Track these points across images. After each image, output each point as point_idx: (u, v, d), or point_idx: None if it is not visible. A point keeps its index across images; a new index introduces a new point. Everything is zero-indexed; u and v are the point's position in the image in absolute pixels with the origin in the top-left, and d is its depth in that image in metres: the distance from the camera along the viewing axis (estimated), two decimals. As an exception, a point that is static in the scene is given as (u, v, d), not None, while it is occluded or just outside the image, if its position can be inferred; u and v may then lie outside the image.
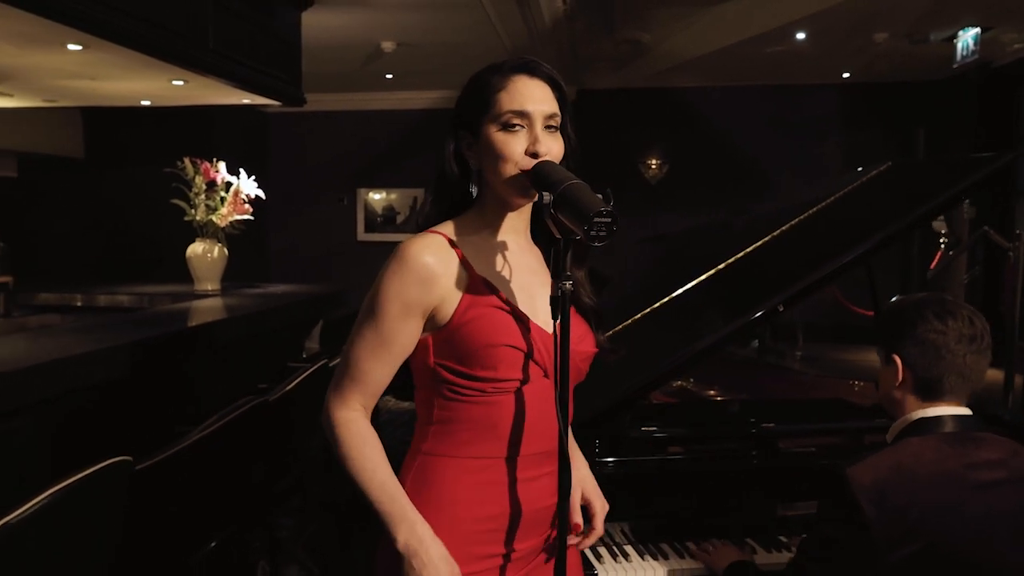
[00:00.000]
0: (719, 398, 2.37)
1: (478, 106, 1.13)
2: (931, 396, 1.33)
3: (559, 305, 1.02)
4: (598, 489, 1.29)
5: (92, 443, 2.37)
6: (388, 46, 5.64)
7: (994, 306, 4.49)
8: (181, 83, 3.71)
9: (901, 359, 1.33)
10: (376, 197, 8.24)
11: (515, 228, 1.19)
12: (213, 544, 2.25)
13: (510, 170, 1.10)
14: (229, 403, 2.19)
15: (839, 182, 2.46)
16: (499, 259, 1.16)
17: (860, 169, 2.50)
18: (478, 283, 1.13)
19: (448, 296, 1.12)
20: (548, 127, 1.13)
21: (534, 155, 1.10)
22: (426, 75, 6.61)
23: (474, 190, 1.17)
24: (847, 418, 2.04)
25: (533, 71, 1.14)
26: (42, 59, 3.19)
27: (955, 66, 5.60)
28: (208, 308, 3.48)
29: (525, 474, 1.14)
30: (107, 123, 7.00)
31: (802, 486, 1.77)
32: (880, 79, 7.11)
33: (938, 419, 1.31)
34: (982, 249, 4.34)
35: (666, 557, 1.68)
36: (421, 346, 1.15)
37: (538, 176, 1.06)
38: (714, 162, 7.57)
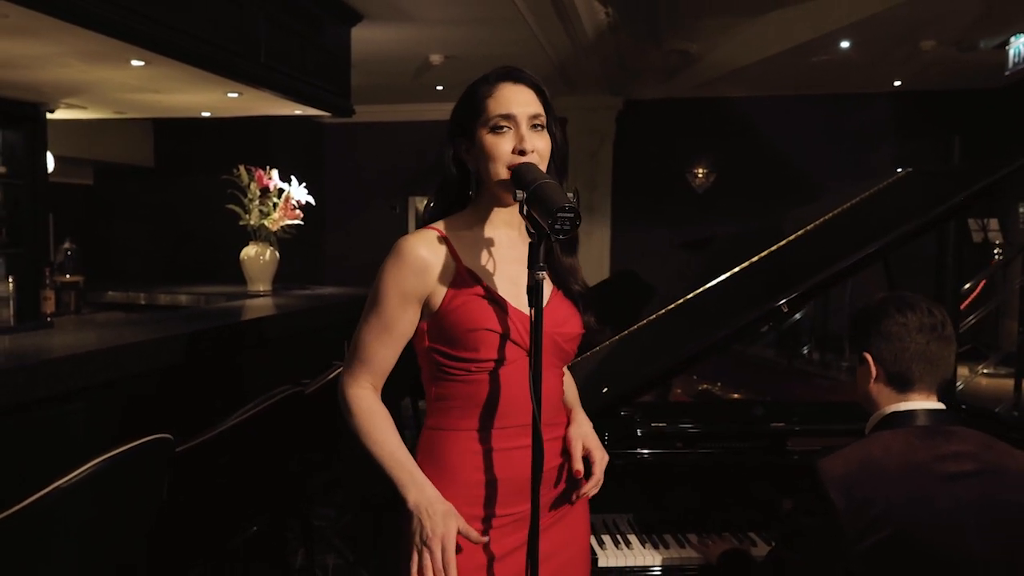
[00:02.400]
0: (738, 398, 2.42)
1: (471, 114, 1.27)
2: (903, 388, 1.38)
3: (534, 294, 1.13)
4: (598, 441, 1.39)
5: (144, 428, 2.56)
6: (436, 59, 5.83)
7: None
8: (236, 95, 3.95)
9: (871, 355, 1.39)
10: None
11: (508, 223, 1.31)
12: (253, 529, 2.40)
13: (500, 168, 1.23)
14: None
15: (864, 187, 2.48)
16: (488, 251, 1.29)
17: (906, 170, 2.51)
18: (464, 273, 1.25)
19: (438, 285, 1.25)
20: (534, 126, 1.25)
21: (521, 152, 1.22)
22: None
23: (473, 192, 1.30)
24: (855, 420, 2.07)
25: (516, 78, 1.27)
26: (109, 74, 3.46)
27: (1007, 73, 5.46)
28: (257, 306, 3.68)
29: (514, 443, 1.25)
30: (175, 134, 7.39)
31: (806, 483, 1.81)
32: (932, 87, 6.97)
33: (910, 413, 1.36)
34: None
35: (667, 547, 1.74)
36: (419, 332, 1.28)
37: (516, 176, 1.19)
38: (762, 172, 7.52)
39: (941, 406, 1.38)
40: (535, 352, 1.14)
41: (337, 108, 4.36)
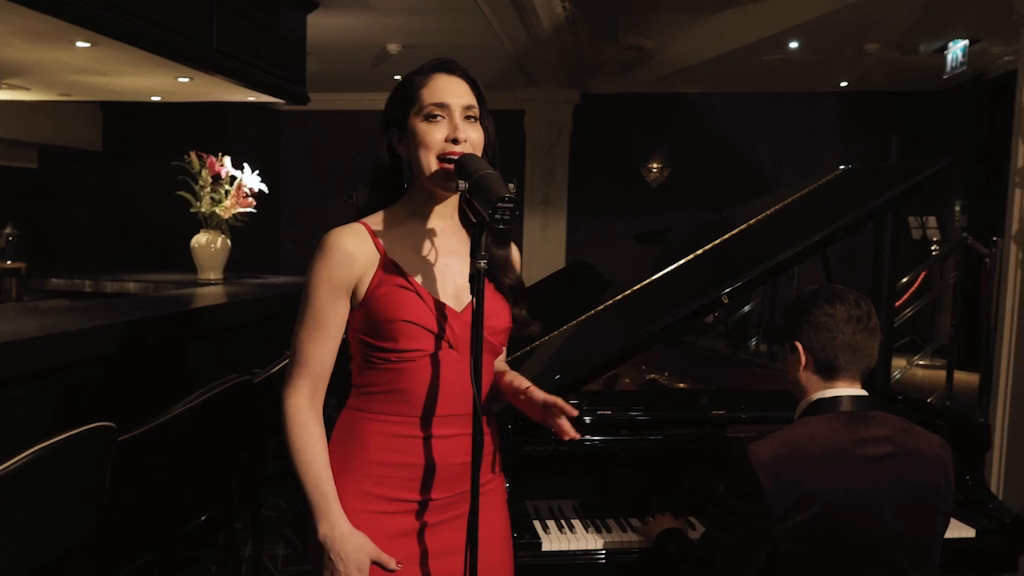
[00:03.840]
0: (684, 387, 2.48)
1: (404, 103, 1.28)
2: (829, 376, 1.45)
3: (476, 282, 1.15)
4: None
5: (88, 416, 2.52)
6: (394, 48, 5.80)
7: (974, 311, 4.56)
8: (187, 80, 3.87)
9: (802, 344, 1.46)
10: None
11: (441, 214, 1.32)
12: (202, 519, 2.38)
13: (432, 156, 1.24)
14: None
15: (801, 184, 2.56)
16: (417, 243, 1.30)
17: (840, 168, 2.60)
18: (388, 265, 1.27)
19: (363, 276, 1.26)
20: (467, 117, 1.26)
21: (454, 141, 1.23)
22: None
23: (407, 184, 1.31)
24: (792, 408, 2.15)
25: (450, 69, 1.28)
26: (52, 55, 3.36)
27: (945, 76, 5.67)
28: (207, 294, 3.63)
29: (437, 431, 1.27)
30: (125, 117, 7.21)
31: (736, 466, 1.87)
32: (877, 88, 7.19)
33: (835, 399, 1.44)
34: (962, 256, 4.43)
35: (609, 531, 1.78)
36: (349, 321, 1.30)
37: (459, 166, 1.20)
38: (715, 167, 7.67)
39: (864, 393, 1.46)
40: (476, 340, 1.16)
41: (292, 95, 4.32)
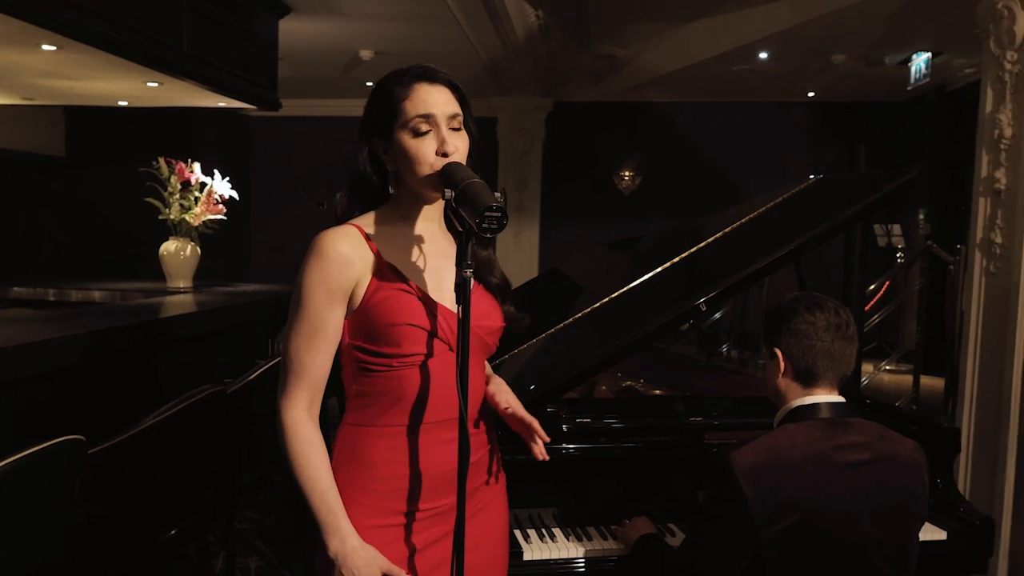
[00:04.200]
0: (660, 394, 2.49)
1: (386, 115, 1.25)
2: (808, 383, 1.47)
3: (462, 290, 1.14)
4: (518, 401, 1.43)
5: (53, 430, 2.45)
6: (366, 54, 5.77)
7: (939, 317, 4.67)
8: (156, 85, 3.81)
9: (781, 351, 1.47)
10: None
11: (430, 217, 1.32)
12: (172, 532, 2.33)
13: (425, 171, 1.23)
14: (193, 395, 2.27)
15: (774, 193, 2.60)
16: (410, 246, 1.29)
17: (812, 178, 2.65)
18: (385, 268, 1.25)
19: (361, 280, 1.24)
20: (452, 128, 1.24)
21: (443, 154, 1.22)
22: None
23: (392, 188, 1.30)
24: (769, 414, 2.17)
25: (432, 78, 1.25)
26: (17, 58, 3.28)
27: (909, 88, 5.82)
28: (176, 303, 3.57)
29: (434, 438, 1.26)
30: (89, 122, 7.06)
31: (717, 474, 1.88)
32: (843, 99, 7.34)
33: (814, 406, 1.45)
34: (926, 264, 4.54)
35: (590, 539, 1.78)
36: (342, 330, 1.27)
37: (445, 175, 1.20)
38: (685, 175, 7.76)
39: (841, 399, 1.48)
40: (463, 347, 1.16)
41: (263, 101, 4.27)
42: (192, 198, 4.08)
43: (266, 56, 4.26)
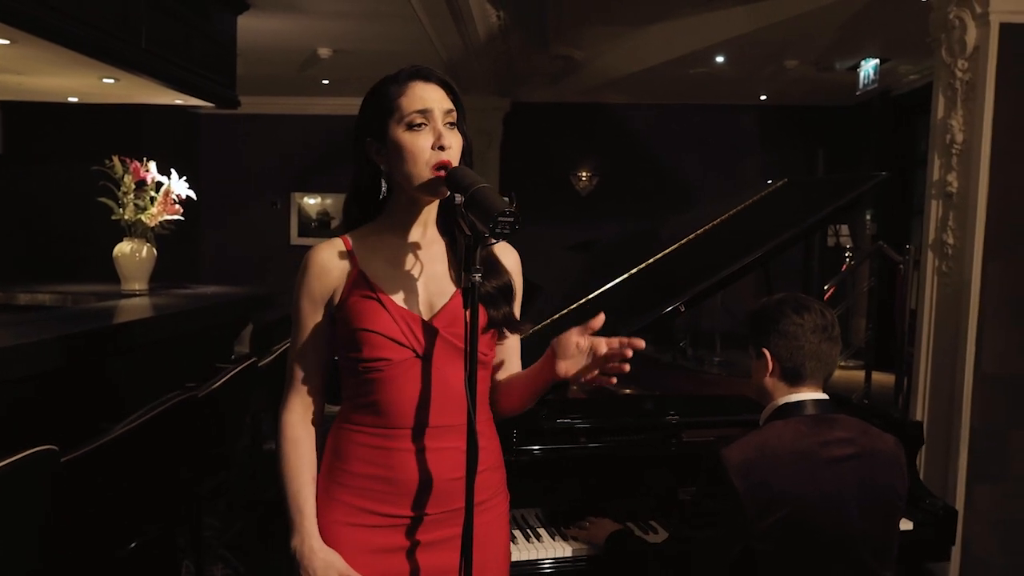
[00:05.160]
0: (631, 393, 2.53)
1: (381, 113, 1.25)
2: (794, 382, 1.52)
3: (471, 296, 1.14)
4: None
5: (14, 438, 2.35)
6: (325, 52, 5.69)
7: (887, 315, 4.85)
8: (112, 81, 3.69)
9: (769, 351, 1.52)
10: (311, 202, 8.22)
11: (422, 221, 1.31)
12: (135, 544, 2.26)
13: (421, 165, 1.22)
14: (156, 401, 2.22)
15: (743, 195, 2.67)
16: (394, 255, 1.29)
17: (769, 182, 2.72)
18: (358, 277, 1.27)
19: (337, 288, 1.28)
20: (448, 124, 1.25)
21: (440, 148, 1.22)
22: (363, 82, 6.47)
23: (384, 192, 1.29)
24: (744, 412, 2.23)
25: (427, 76, 1.26)
26: (-35, 52, 3.14)
27: (858, 93, 6.03)
28: (135, 307, 3.46)
29: (419, 444, 1.25)
30: (29, 119, 6.79)
31: (707, 470, 1.92)
32: (794, 102, 7.56)
33: (800, 403, 1.50)
34: (876, 263, 4.71)
35: (576, 538, 1.80)
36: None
37: (452, 179, 1.19)
38: (642, 176, 7.88)
39: (825, 396, 1.53)
40: (471, 352, 1.16)
41: (222, 99, 4.17)
42: (147, 198, 3.96)
43: (225, 54, 4.17)
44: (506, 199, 1.12)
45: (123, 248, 4.00)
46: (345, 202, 1.35)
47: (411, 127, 1.23)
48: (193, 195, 4.14)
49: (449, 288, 1.30)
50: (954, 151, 3.03)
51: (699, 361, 6.52)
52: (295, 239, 8.17)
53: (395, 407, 1.25)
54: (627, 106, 7.90)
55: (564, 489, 1.86)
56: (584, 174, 8.12)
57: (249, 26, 4.68)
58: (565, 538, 1.79)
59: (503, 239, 1.11)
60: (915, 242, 5.49)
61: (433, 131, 1.23)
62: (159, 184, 3.97)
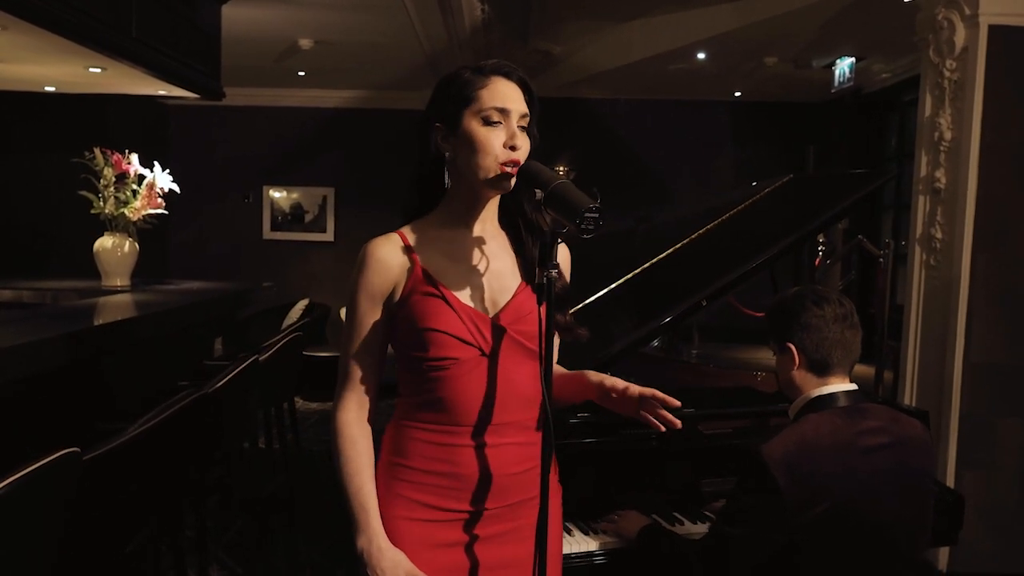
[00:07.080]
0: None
1: (459, 101, 1.24)
2: (822, 373, 1.55)
3: (546, 292, 1.15)
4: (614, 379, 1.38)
5: (14, 438, 2.28)
6: (306, 43, 5.59)
7: (866, 309, 4.97)
8: (99, 70, 3.58)
9: (794, 345, 1.55)
10: (282, 195, 8.08)
11: (484, 217, 1.30)
12: (144, 542, 2.20)
13: (491, 161, 1.22)
14: (148, 400, 2.18)
15: (742, 193, 2.70)
16: (455, 251, 1.28)
17: (755, 184, 2.76)
18: (420, 274, 1.26)
19: (398, 284, 1.27)
20: (521, 126, 1.25)
21: (512, 148, 1.22)
22: (340, 74, 6.56)
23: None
24: (754, 403, 2.27)
25: (509, 74, 1.27)
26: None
27: (833, 90, 6.16)
28: (123, 304, 3.37)
29: (481, 440, 1.26)
30: (-6, 107, 6.54)
31: (721, 463, 1.96)
32: (767, 99, 7.68)
33: (832, 395, 1.53)
34: (855, 257, 4.81)
35: (605, 532, 1.82)
36: (392, 332, 1.29)
37: (527, 174, 1.19)
38: (618, 171, 7.92)
39: (855, 387, 1.57)
40: (547, 347, 1.17)
41: (207, 90, 4.08)
42: (129, 191, 3.86)
43: (210, 44, 4.07)
44: (590, 195, 1.12)
45: (104, 243, 3.90)
46: (411, 189, 1.32)
47: (487, 122, 1.23)
48: (177, 188, 4.06)
49: (511, 284, 1.30)
50: (942, 148, 3.11)
51: (678, 353, 6.62)
52: (267, 233, 8.02)
53: (460, 405, 1.25)
54: (603, 100, 7.94)
55: (584, 484, 1.86)
56: (561, 168, 8.14)
57: (230, 16, 4.58)
58: (596, 532, 1.80)
59: (588, 235, 1.10)
60: (887, 236, 5.64)
61: (507, 130, 1.23)
62: (141, 177, 3.87)
